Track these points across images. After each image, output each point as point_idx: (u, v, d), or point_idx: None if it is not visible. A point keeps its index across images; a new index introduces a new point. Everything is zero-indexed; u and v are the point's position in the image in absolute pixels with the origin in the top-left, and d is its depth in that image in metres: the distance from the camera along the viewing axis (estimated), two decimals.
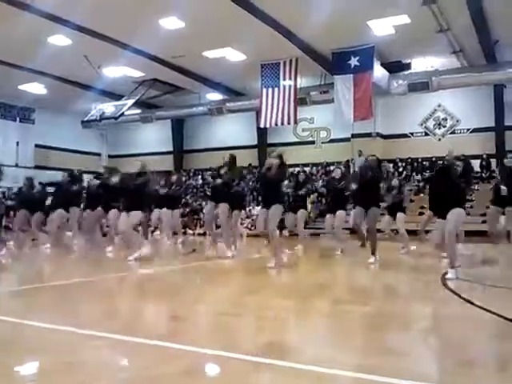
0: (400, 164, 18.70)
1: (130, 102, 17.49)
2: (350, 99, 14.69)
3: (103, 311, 4.26)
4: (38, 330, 3.44)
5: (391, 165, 18.12)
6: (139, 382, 2.40)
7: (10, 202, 17.24)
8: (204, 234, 16.95)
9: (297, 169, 19.82)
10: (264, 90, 15.97)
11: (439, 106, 18.58)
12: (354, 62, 14.72)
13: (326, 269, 7.55)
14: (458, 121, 18.38)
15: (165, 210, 10.84)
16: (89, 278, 6.18)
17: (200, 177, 21.88)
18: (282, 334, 3.35)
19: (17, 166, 20.62)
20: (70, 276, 6.38)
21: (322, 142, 20.31)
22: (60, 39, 14.32)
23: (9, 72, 16.67)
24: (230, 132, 21.96)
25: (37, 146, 22.01)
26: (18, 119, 21.73)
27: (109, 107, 17.82)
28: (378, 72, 15.05)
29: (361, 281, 6.30)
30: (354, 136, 18.51)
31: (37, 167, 20.65)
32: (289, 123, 16.10)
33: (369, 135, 18.33)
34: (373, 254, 7.37)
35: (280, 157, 6.97)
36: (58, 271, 7.07)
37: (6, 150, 20.90)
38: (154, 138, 24.06)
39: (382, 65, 15.35)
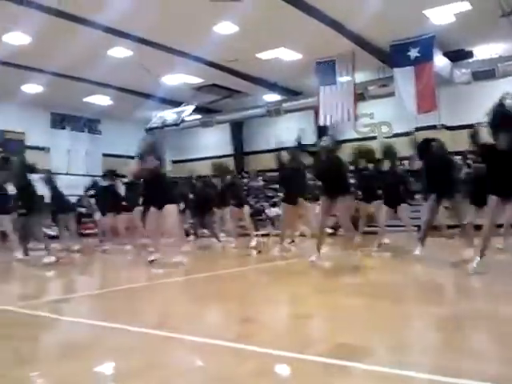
0: (469, 156, 17.85)
1: (190, 108, 17.88)
2: (412, 92, 14.26)
3: (175, 313, 4.38)
4: (115, 331, 3.56)
5: (459, 157, 17.37)
6: (212, 383, 2.44)
7: (82, 210, 18.05)
8: (268, 234, 17.04)
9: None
10: (321, 88, 15.81)
11: (507, 93, 17.57)
12: (413, 53, 14.29)
13: (399, 267, 7.34)
14: None
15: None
16: (156, 281, 6.36)
17: (261, 178, 21.95)
18: (355, 336, 3.28)
19: (86, 175, 21.61)
20: (139, 279, 6.62)
21: (384, 137, 19.78)
22: (120, 51, 14.84)
23: (74, 85, 17.47)
24: (289, 132, 21.78)
25: (104, 155, 22.93)
26: (85, 130, 22.77)
27: (170, 114, 18.31)
28: (440, 62, 14.52)
29: (434, 280, 6.08)
30: (417, 129, 17.92)
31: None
32: (348, 120, 15.85)
33: (433, 127, 17.66)
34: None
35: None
36: (126, 274, 7.33)
37: (76, 160, 21.98)
38: (214, 141, 24.41)
39: (444, 54, 14.79)
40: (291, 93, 19.23)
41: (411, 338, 3.30)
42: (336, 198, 6.69)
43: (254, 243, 10.54)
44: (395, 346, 3.05)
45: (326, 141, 6.91)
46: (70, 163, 21.81)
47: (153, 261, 7.47)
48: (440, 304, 4.36)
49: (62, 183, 11.72)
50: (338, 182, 6.80)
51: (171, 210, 7.46)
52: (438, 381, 2.33)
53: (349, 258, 7.71)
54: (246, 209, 11.19)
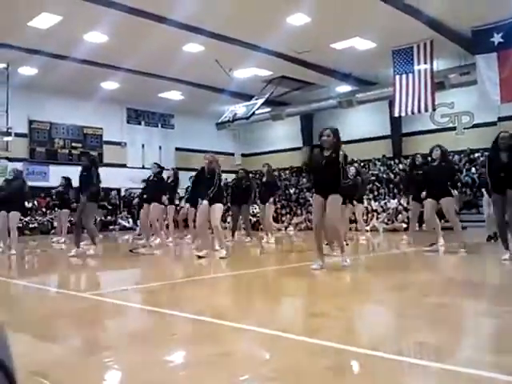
0: None
1: (260, 101, 17.85)
2: (496, 79, 13.39)
3: (241, 305, 4.36)
4: (184, 320, 3.58)
5: None
6: (284, 376, 2.35)
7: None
8: None
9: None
10: (397, 78, 15.21)
11: None
12: (497, 38, 13.42)
13: (471, 265, 6.90)
14: None
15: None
16: (228, 272, 6.36)
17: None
18: (431, 334, 3.08)
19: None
20: (197, 273, 6.65)
21: (465, 128, 18.80)
22: (193, 47, 15.06)
23: (150, 82, 17.99)
24: (360, 123, 21.37)
25: (177, 149, 23.50)
26: (159, 125, 23.44)
27: (240, 108, 18.40)
28: None
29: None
30: (500, 119, 16.88)
31: (178, 169, 22.02)
32: (426, 110, 15.12)
33: None
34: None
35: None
36: (194, 267, 7.39)
37: (151, 154, 22.69)
38: (283, 134, 24.33)
39: None
40: (364, 83, 18.70)
41: (492, 337, 3.07)
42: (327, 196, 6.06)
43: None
44: (474, 345, 2.84)
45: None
46: (145, 157, 22.54)
47: (201, 256, 7.62)
48: None
49: (139, 177, 12.04)
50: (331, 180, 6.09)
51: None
52: None
53: (416, 255, 7.40)
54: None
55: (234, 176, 25.02)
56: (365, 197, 17.64)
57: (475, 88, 14.27)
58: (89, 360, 2.69)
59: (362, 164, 20.67)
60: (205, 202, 7.66)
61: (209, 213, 7.70)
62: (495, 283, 5.23)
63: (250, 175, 12.50)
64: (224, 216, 12.47)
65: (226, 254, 7.65)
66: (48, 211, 18.30)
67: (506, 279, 5.55)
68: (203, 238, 8.13)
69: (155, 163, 11.14)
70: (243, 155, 26.09)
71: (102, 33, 13.75)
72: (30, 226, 17.91)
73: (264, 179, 11.41)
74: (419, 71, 14.80)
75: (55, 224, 15.86)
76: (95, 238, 8.57)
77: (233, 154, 25.99)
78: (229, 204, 12.41)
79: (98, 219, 18.08)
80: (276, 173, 23.34)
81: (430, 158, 8.21)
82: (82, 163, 8.98)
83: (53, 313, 4.01)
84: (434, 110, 15.55)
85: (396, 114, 15.83)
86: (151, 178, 10.56)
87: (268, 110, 20.04)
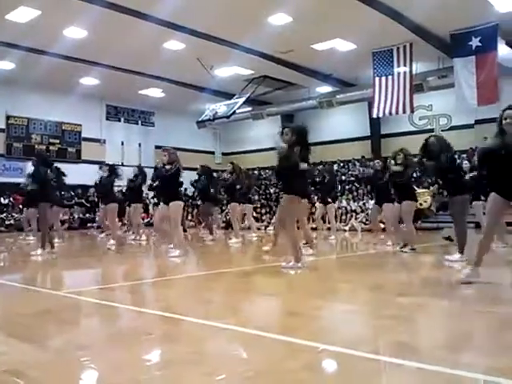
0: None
1: (241, 100, 17.85)
2: (473, 83, 13.61)
3: (219, 304, 4.36)
4: (161, 319, 3.57)
5: None
6: (260, 375, 2.37)
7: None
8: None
9: (415, 159, 18.89)
10: (376, 79, 15.36)
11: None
12: (475, 42, 13.64)
13: (442, 266, 7.01)
14: None
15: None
16: (210, 271, 6.36)
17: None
18: (407, 333, 3.15)
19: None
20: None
21: (442, 130, 19.02)
22: (174, 44, 14.96)
23: (131, 78, 17.83)
24: (340, 124, 21.53)
25: (157, 147, 23.30)
26: (139, 122, 23.23)
27: (221, 107, 18.36)
28: (503, 51, 13.78)
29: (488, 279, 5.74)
30: (477, 122, 17.18)
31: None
32: (404, 112, 15.32)
33: (494, 120, 16.79)
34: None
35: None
36: (169, 266, 7.35)
37: (130, 151, 22.49)
38: (264, 134, 24.27)
39: (508, 43, 14.01)
40: (345, 84, 18.84)
41: (466, 337, 3.13)
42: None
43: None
44: (449, 344, 2.90)
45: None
46: (124, 155, 22.32)
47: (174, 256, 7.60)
48: (496, 304, 4.12)
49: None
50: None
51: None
52: (492, 381, 2.22)
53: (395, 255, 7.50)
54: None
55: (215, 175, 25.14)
56: (344, 197, 17.89)
57: (453, 91, 14.49)
58: (65, 359, 2.67)
59: (341, 164, 20.86)
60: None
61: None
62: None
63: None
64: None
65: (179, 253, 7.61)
66: (24, 208, 18.00)
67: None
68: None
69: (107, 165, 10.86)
70: (224, 154, 26.05)
71: (82, 28, 13.56)
72: (6, 222, 17.62)
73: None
74: (398, 73, 14.98)
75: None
76: (45, 242, 8.24)
77: (213, 153, 25.94)
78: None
79: (76, 217, 17.87)
80: (256, 172, 23.45)
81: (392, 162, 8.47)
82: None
83: (28, 311, 3.95)
84: (412, 111, 15.77)
85: (375, 116, 16.00)
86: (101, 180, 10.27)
87: (249, 109, 20.03)
